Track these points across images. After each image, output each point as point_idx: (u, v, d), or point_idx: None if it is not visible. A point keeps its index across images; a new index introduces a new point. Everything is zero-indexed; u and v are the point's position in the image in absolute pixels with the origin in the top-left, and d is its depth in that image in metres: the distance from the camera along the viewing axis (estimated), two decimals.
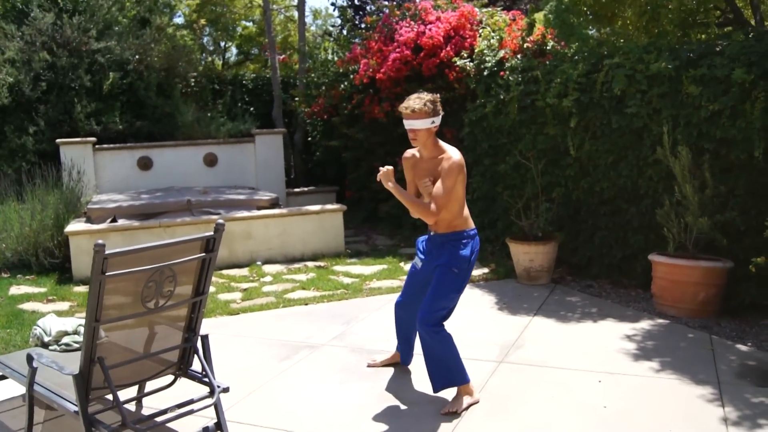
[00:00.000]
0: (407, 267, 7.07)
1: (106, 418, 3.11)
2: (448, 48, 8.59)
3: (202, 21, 17.75)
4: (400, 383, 4.21)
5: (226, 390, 3.28)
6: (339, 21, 15.95)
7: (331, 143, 10.71)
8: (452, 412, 3.71)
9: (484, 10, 9.41)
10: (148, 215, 8.10)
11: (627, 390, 3.99)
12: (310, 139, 12.22)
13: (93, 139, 10.08)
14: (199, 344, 3.33)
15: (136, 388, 3.52)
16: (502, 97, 7.30)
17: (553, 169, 6.93)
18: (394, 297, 4.77)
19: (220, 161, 10.77)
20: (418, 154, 3.95)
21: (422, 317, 3.77)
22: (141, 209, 8.19)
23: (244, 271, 7.50)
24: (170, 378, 3.47)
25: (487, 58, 7.70)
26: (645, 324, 5.24)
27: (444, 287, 3.78)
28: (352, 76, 9.84)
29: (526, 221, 6.68)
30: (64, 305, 6.23)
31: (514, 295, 6.18)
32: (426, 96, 3.75)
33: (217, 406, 3.24)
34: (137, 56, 11.26)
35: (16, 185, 8.47)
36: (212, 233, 3.15)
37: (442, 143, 3.87)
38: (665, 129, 5.68)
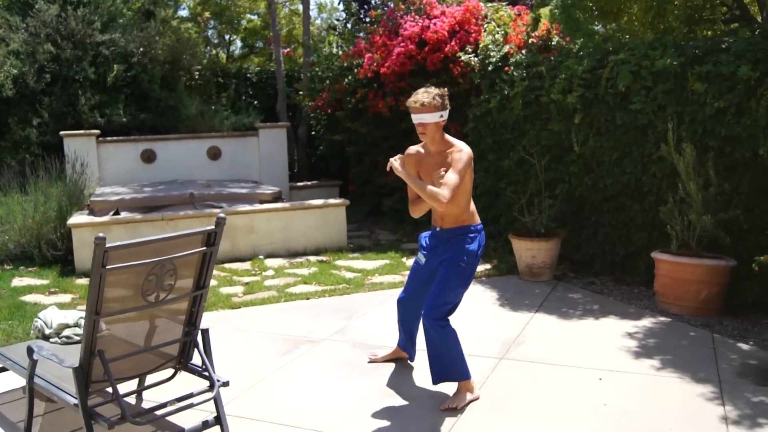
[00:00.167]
0: (410, 262, 7.08)
1: (106, 411, 3.11)
2: (453, 43, 8.57)
3: (207, 14, 17.71)
4: (400, 379, 4.21)
5: (226, 384, 3.28)
6: (344, 15, 15.89)
7: (334, 137, 10.70)
8: (452, 408, 3.71)
9: (489, 4, 9.38)
10: (150, 208, 8.11)
11: (628, 388, 3.98)
12: (313, 133, 12.22)
13: (97, 131, 10.09)
14: (199, 338, 3.32)
15: (136, 381, 3.52)
16: (506, 92, 7.27)
17: (557, 165, 6.91)
18: (396, 292, 4.77)
19: (223, 155, 10.77)
20: (422, 150, 3.92)
21: (428, 311, 3.76)
22: (144, 202, 8.20)
23: (246, 265, 7.50)
24: (170, 371, 3.47)
25: (491, 53, 7.68)
26: (647, 322, 5.23)
27: (450, 281, 3.77)
28: (356, 71, 9.83)
29: (529, 217, 6.66)
30: (66, 297, 6.24)
31: (516, 292, 6.17)
32: (434, 90, 3.74)
33: (217, 400, 3.24)
34: (141, 49, 11.25)
35: (19, 177, 8.48)
36: (213, 227, 3.15)
37: (449, 137, 3.86)
38: (670, 126, 5.65)
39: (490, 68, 7.62)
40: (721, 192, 5.44)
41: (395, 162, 3.70)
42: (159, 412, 3.10)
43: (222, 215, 3.19)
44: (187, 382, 3.45)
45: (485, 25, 8.47)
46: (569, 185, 6.83)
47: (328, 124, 11.18)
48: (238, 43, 20.07)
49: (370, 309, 5.70)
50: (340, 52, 10.84)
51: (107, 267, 2.75)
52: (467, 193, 3.83)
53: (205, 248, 3.15)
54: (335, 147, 11.15)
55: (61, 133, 9.84)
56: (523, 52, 7.40)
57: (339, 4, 16.54)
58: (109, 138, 10.23)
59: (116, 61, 10.85)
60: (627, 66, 6.02)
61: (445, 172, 3.71)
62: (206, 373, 3.27)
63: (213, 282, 6.39)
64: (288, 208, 8.17)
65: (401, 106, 8.97)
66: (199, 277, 3.23)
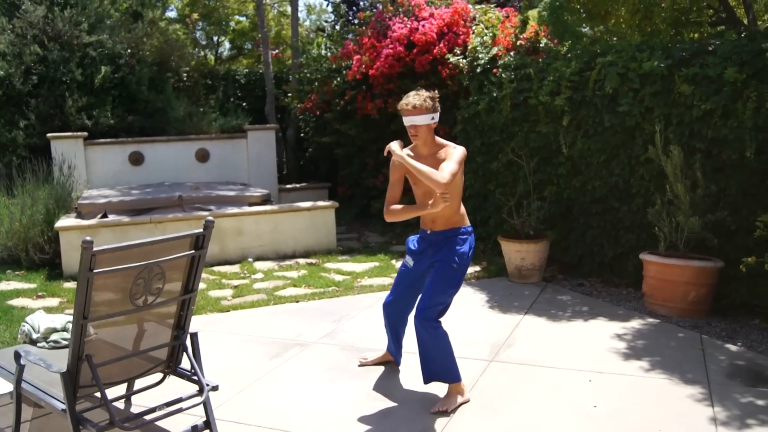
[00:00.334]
0: (399, 264, 7.06)
1: (94, 416, 3.09)
2: (441, 44, 8.58)
3: (195, 15, 17.66)
4: (390, 382, 4.21)
5: (215, 388, 3.26)
6: (332, 16, 15.91)
7: (323, 139, 10.69)
8: (443, 411, 3.71)
9: (478, 6, 9.41)
10: (138, 211, 8.06)
11: (617, 389, 3.99)
12: (302, 135, 12.20)
13: (84, 133, 10.04)
14: (188, 342, 3.31)
15: (124, 386, 3.50)
16: (494, 94, 7.29)
17: (546, 167, 6.93)
18: (386, 294, 4.76)
19: (212, 157, 10.74)
20: (412, 153, 3.89)
21: (420, 312, 3.76)
22: (132, 205, 8.16)
23: (235, 268, 7.48)
24: (159, 376, 3.44)
25: (480, 55, 7.69)
26: (636, 323, 5.25)
27: (443, 282, 3.78)
28: (344, 72, 9.83)
29: (517, 219, 6.68)
30: (54, 301, 6.19)
31: (505, 294, 6.18)
32: (425, 93, 3.75)
33: (206, 405, 3.22)
34: (129, 50, 11.20)
35: (6, 180, 8.43)
36: (202, 230, 3.13)
37: (440, 139, 3.88)
38: (657, 128, 5.68)
39: (478, 70, 7.63)
40: (709, 194, 5.48)
41: (394, 144, 3.71)
42: (148, 417, 3.08)
43: (210, 218, 3.17)
44: (176, 387, 3.43)
45: (474, 27, 8.49)
46: (558, 187, 6.86)
47: (316, 126, 11.17)
48: (227, 45, 20.03)
49: (359, 312, 5.69)
50: (329, 54, 10.85)
51: (95, 271, 2.73)
52: (459, 194, 3.85)
53: (193, 251, 3.13)
54: (324, 149, 11.14)
55: (48, 135, 9.78)
56: (512, 54, 7.42)
57: (327, 5, 16.54)
58: (96, 140, 10.18)
59: (104, 62, 10.80)
60: (614, 68, 6.05)
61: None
62: (195, 378, 3.25)
63: (202, 285, 6.36)
64: (277, 211, 8.15)
65: (390, 108, 8.99)
66: (188, 281, 3.21)
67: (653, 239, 5.75)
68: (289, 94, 11.85)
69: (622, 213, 6.24)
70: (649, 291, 5.57)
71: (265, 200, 8.71)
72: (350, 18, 14.50)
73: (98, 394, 2.93)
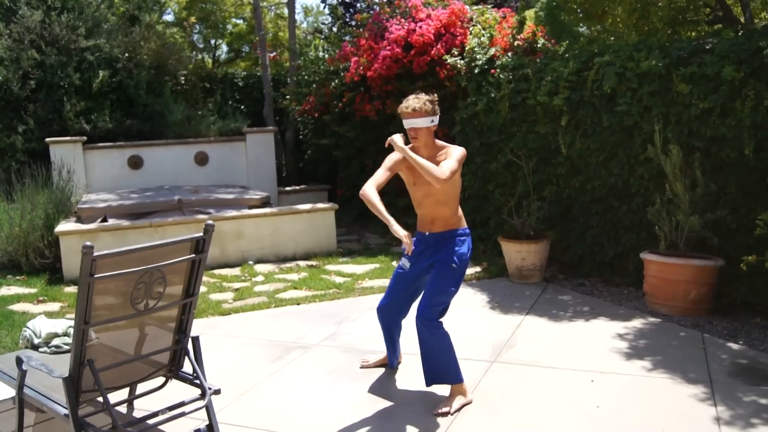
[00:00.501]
0: None
1: (97, 420, 3.09)
2: (439, 46, 8.58)
3: (192, 18, 17.66)
4: (392, 383, 4.20)
5: (217, 392, 3.26)
6: (330, 18, 15.90)
7: (322, 141, 10.69)
8: (445, 413, 3.71)
9: (475, 7, 9.40)
10: (138, 215, 8.06)
11: (619, 389, 3.99)
12: (301, 137, 12.20)
13: (83, 138, 10.04)
14: (189, 346, 3.31)
15: (126, 390, 3.49)
16: (493, 95, 7.29)
17: (545, 168, 6.94)
18: None
19: (210, 160, 10.74)
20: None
21: (422, 312, 3.77)
22: (131, 209, 8.15)
23: (236, 271, 7.47)
24: (161, 380, 3.44)
25: (477, 56, 7.69)
26: (637, 323, 5.25)
27: (443, 282, 3.80)
28: (342, 74, 9.83)
29: (517, 220, 6.68)
30: (54, 306, 6.19)
31: (506, 294, 6.18)
32: (424, 96, 3.80)
33: (209, 408, 3.22)
34: (127, 54, 11.20)
35: (5, 185, 8.42)
36: (202, 234, 3.13)
37: (439, 141, 3.91)
38: (656, 127, 5.69)
39: (476, 71, 7.64)
40: (708, 192, 5.48)
41: (397, 137, 3.73)
42: (150, 421, 3.08)
43: (210, 222, 3.17)
44: (178, 391, 3.42)
45: (471, 28, 8.49)
46: (557, 187, 6.86)
47: (315, 128, 11.17)
48: (224, 48, 20.04)
49: (360, 314, 5.69)
50: (327, 56, 10.84)
51: (95, 276, 2.73)
52: (457, 196, 3.89)
53: (194, 255, 3.13)
54: (323, 151, 11.14)
55: (47, 140, 9.78)
56: (509, 54, 7.42)
57: (324, 8, 16.51)
58: (95, 144, 10.18)
59: (101, 66, 10.80)
60: (612, 68, 6.06)
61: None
62: (197, 381, 3.25)
63: (202, 288, 6.36)
64: (276, 213, 8.15)
65: (388, 110, 8.99)
66: (189, 285, 3.21)
67: (653, 238, 5.75)
68: (288, 97, 11.85)
69: (621, 212, 6.24)
70: (650, 290, 5.58)
71: (265, 203, 8.70)
72: (347, 20, 14.50)
73: (100, 399, 2.93)
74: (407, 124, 3.80)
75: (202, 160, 10.68)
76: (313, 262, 7.71)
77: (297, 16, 15.47)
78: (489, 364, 4.45)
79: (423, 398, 3.93)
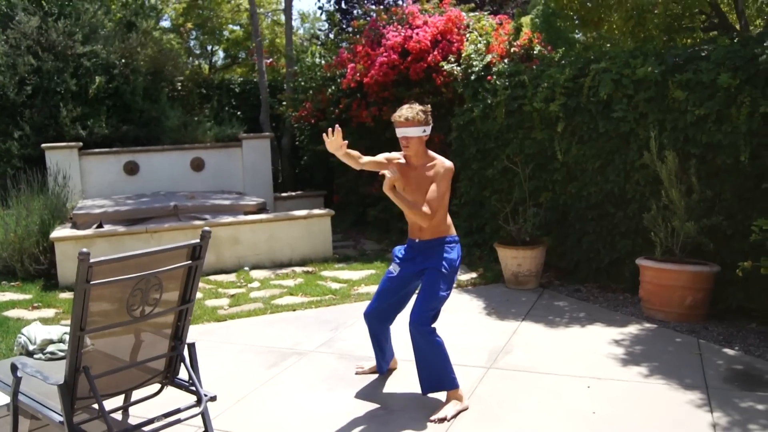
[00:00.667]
0: None
1: (92, 428, 3.08)
2: (436, 52, 8.61)
3: (189, 25, 17.68)
4: (388, 390, 4.20)
5: (213, 398, 3.25)
6: (326, 25, 15.93)
7: (318, 147, 10.67)
8: (442, 419, 3.70)
9: (471, 14, 9.44)
10: (134, 220, 8.05)
11: (616, 395, 3.99)
12: (297, 143, 12.20)
13: (79, 143, 10.04)
14: (185, 352, 3.30)
15: (122, 397, 3.48)
16: (489, 101, 7.30)
17: (541, 174, 6.95)
18: None
19: (207, 166, 10.74)
20: (405, 162, 3.98)
21: (414, 319, 3.78)
22: (127, 215, 8.14)
23: (232, 277, 7.46)
24: (157, 387, 3.43)
25: (474, 63, 7.71)
26: (633, 328, 5.25)
27: (434, 288, 3.82)
28: (339, 81, 9.84)
29: (513, 226, 6.68)
30: (49, 312, 6.17)
31: (502, 300, 6.18)
32: (418, 106, 3.88)
33: (205, 415, 3.21)
34: (123, 60, 11.21)
35: (1, 190, 8.40)
36: (198, 240, 3.13)
37: (431, 152, 3.97)
38: (652, 134, 5.70)
39: (472, 77, 7.65)
40: (704, 198, 5.49)
41: (390, 174, 3.74)
42: (146, 429, 3.06)
43: (207, 228, 3.17)
44: (174, 397, 3.41)
45: (467, 35, 8.51)
46: (553, 193, 6.87)
47: (311, 134, 11.17)
48: (221, 54, 20.05)
49: (356, 320, 5.68)
50: (323, 62, 10.86)
51: (92, 282, 2.72)
52: (445, 206, 3.93)
53: (190, 262, 3.13)
54: (319, 157, 11.14)
55: (43, 145, 9.78)
56: (506, 61, 7.44)
57: (321, 14, 16.53)
58: (91, 150, 10.18)
59: (98, 72, 10.80)
60: (608, 74, 6.07)
61: (419, 187, 3.86)
62: (193, 388, 3.24)
63: (198, 294, 6.34)
64: (273, 219, 8.15)
65: (385, 116, 8.99)
66: (185, 291, 3.20)
67: (649, 244, 5.76)
68: (284, 103, 11.85)
69: (617, 218, 6.25)
70: (645, 296, 5.58)
71: (261, 209, 8.70)
72: (344, 26, 14.53)
73: (95, 406, 2.92)
74: (399, 132, 3.87)
75: (198, 166, 10.68)
76: (309, 268, 7.71)
77: (294, 23, 15.48)
78: (485, 370, 4.45)
79: (419, 404, 3.93)
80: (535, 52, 7.51)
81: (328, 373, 4.49)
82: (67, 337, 3.79)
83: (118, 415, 3.66)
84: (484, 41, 7.96)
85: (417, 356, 3.86)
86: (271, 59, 16.77)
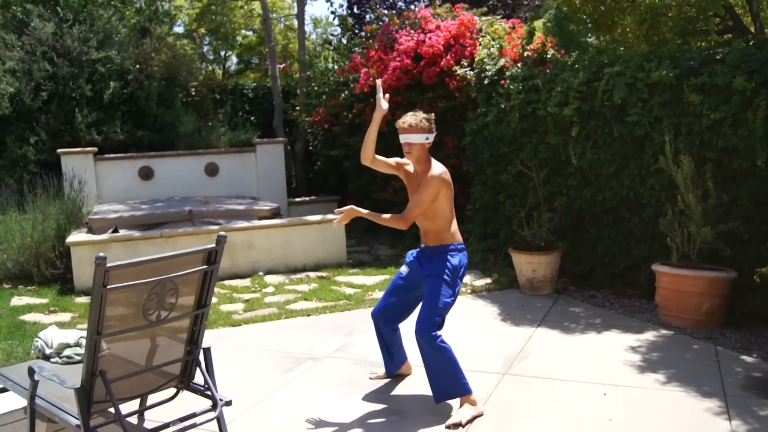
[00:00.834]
0: None
1: (108, 431, 3.09)
2: (449, 57, 8.60)
3: (202, 30, 17.78)
4: (404, 395, 4.19)
5: (228, 403, 3.26)
6: (339, 30, 15.96)
7: (332, 152, 10.70)
8: (457, 425, 3.68)
9: (484, 18, 9.42)
10: (149, 225, 8.08)
11: (633, 402, 3.96)
12: (310, 148, 12.22)
13: (94, 149, 10.09)
14: (201, 357, 3.30)
15: (138, 401, 3.49)
16: (503, 105, 7.29)
17: (555, 179, 6.92)
18: None
19: (221, 171, 10.77)
20: (411, 168, 4.12)
21: (419, 327, 3.79)
22: (142, 219, 8.17)
23: (246, 282, 7.48)
24: (172, 391, 3.44)
25: (487, 67, 7.70)
26: (649, 335, 5.22)
27: (436, 295, 3.84)
28: (352, 85, 9.85)
29: (528, 231, 6.66)
30: (65, 316, 6.20)
31: (517, 306, 6.16)
32: (421, 114, 4.00)
33: (220, 420, 3.21)
34: (138, 66, 11.27)
35: (17, 195, 8.46)
36: (214, 245, 3.14)
37: (433, 160, 4.05)
38: (667, 138, 5.67)
39: (486, 82, 7.64)
40: (720, 203, 5.45)
41: (346, 216, 3.98)
42: None
43: (223, 233, 3.18)
44: (189, 402, 3.42)
45: (480, 39, 8.50)
46: (568, 198, 6.84)
47: (325, 139, 11.19)
48: (234, 59, 20.15)
49: (370, 325, 5.63)
50: (336, 67, 10.87)
51: (108, 286, 2.73)
52: (445, 213, 3.98)
53: (206, 266, 3.14)
54: (333, 162, 11.16)
55: (59, 151, 9.84)
56: (519, 65, 7.43)
57: (334, 19, 16.57)
58: (106, 155, 10.23)
59: (112, 78, 10.87)
60: (623, 78, 6.05)
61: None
62: (209, 393, 3.25)
63: (213, 299, 6.35)
64: (287, 224, 8.16)
65: (396, 119, 9.00)
66: (201, 296, 3.21)
67: (665, 250, 5.72)
68: (297, 108, 11.87)
69: (633, 224, 6.21)
70: (662, 302, 5.54)
71: (275, 214, 8.71)
72: (357, 31, 14.56)
73: (112, 410, 2.93)
74: (403, 138, 3.98)
75: (212, 171, 10.71)
76: (324, 274, 7.71)
77: (306, 28, 15.54)
78: (501, 376, 4.43)
79: (434, 410, 3.91)
80: (548, 56, 7.49)
81: (343, 379, 4.48)
82: (83, 341, 3.81)
83: (133, 419, 3.68)
84: (497, 45, 7.95)
85: (426, 364, 3.86)
86: (284, 64, 16.82)
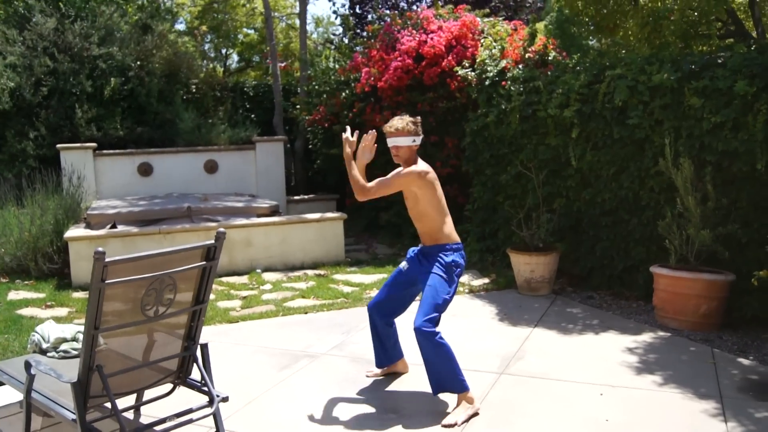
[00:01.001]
0: None
1: (104, 426, 3.09)
2: (450, 57, 8.60)
3: (204, 28, 17.75)
4: (400, 394, 4.19)
5: (225, 399, 3.26)
6: (341, 29, 15.98)
7: (331, 151, 10.69)
8: (452, 424, 3.68)
9: (486, 19, 9.43)
10: (147, 221, 8.08)
11: (629, 403, 3.96)
12: (310, 146, 12.22)
13: (93, 144, 10.10)
14: (198, 353, 3.30)
15: (134, 396, 3.49)
16: (503, 107, 7.29)
17: (555, 180, 6.92)
18: None
19: (220, 168, 10.77)
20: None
21: (418, 324, 3.79)
22: (140, 215, 8.17)
23: (244, 279, 7.47)
24: (169, 386, 3.44)
25: (488, 68, 7.70)
26: (646, 336, 5.22)
27: (433, 292, 3.88)
28: (353, 85, 9.85)
29: (527, 232, 6.66)
30: (62, 311, 6.20)
31: (514, 306, 6.16)
32: (408, 117, 4.10)
33: (216, 416, 3.21)
34: (138, 62, 11.28)
35: (16, 190, 8.46)
36: (213, 242, 3.14)
37: (420, 161, 4.13)
38: (667, 141, 5.67)
39: (487, 83, 7.64)
40: (720, 206, 5.45)
41: (348, 135, 4.09)
42: (158, 428, 3.08)
43: (222, 230, 3.18)
44: (186, 397, 3.42)
45: (482, 40, 8.50)
46: (567, 199, 6.84)
47: (325, 137, 11.18)
48: (235, 57, 20.13)
49: (368, 323, 5.66)
50: (337, 66, 10.87)
51: (107, 281, 2.73)
52: (428, 214, 4.05)
53: (204, 263, 3.14)
54: (332, 161, 11.14)
55: (58, 146, 9.84)
56: (520, 66, 7.42)
57: (336, 18, 16.59)
58: (105, 151, 10.23)
59: (113, 74, 10.88)
60: (624, 81, 6.05)
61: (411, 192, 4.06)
62: (205, 389, 3.25)
63: (211, 296, 6.35)
64: (285, 222, 8.16)
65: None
66: (199, 292, 3.21)
67: (664, 252, 5.72)
68: (298, 106, 11.87)
69: (632, 225, 6.22)
70: (659, 304, 5.54)
71: (274, 211, 8.71)
72: (359, 31, 14.56)
73: (108, 405, 2.92)
74: (390, 142, 4.05)
75: (211, 168, 10.71)
76: (321, 272, 7.71)
77: (308, 27, 15.54)
78: (497, 375, 4.43)
79: (431, 409, 3.91)
80: (549, 58, 7.49)
81: (340, 376, 4.48)
82: (80, 336, 3.81)
83: (130, 414, 3.68)
84: (499, 47, 7.95)
85: (424, 360, 3.88)
86: (285, 63, 16.81)
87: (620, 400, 4.00)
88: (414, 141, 4.02)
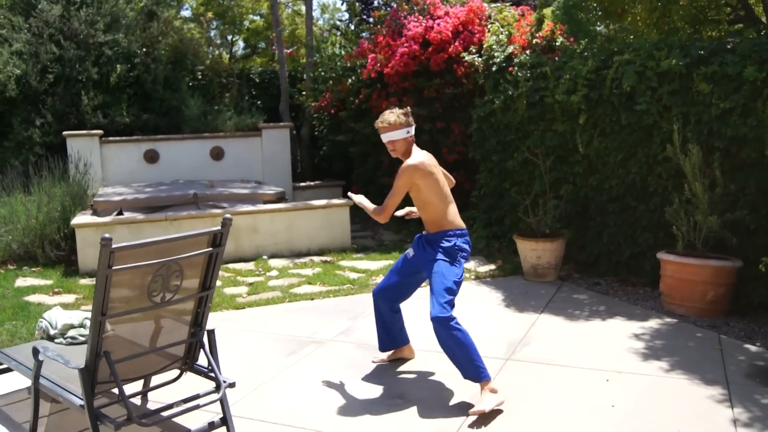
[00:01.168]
0: None
1: (112, 412, 3.10)
2: (457, 43, 8.56)
3: (210, 14, 17.71)
4: (406, 380, 4.20)
5: (232, 385, 3.26)
6: (347, 15, 15.91)
7: (338, 138, 10.69)
8: (479, 412, 3.62)
9: (493, 5, 9.37)
10: (154, 208, 8.10)
11: (635, 389, 3.95)
12: (316, 133, 12.21)
13: (100, 131, 10.10)
14: (205, 339, 3.31)
15: (141, 382, 3.51)
16: (510, 93, 7.25)
17: (562, 166, 6.89)
18: None
19: (226, 155, 10.77)
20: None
21: (434, 313, 3.77)
22: (147, 202, 8.19)
23: (250, 265, 7.49)
24: (176, 372, 3.45)
25: (495, 54, 7.66)
26: (653, 323, 5.21)
27: (441, 278, 3.87)
28: (359, 71, 9.83)
29: (533, 218, 6.64)
30: (69, 297, 6.22)
31: (521, 292, 6.15)
32: (398, 110, 4.09)
33: (223, 402, 3.23)
34: (144, 49, 11.27)
35: (23, 177, 8.48)
36: (219, 228, 3.13)
37: (414, 150, 4.12)
38: (675, 127, 5.64)
39: (494, 69, 7.60)
40: (728, 193, 5.43)
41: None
42: (165, 414, 3.09)
43: (228, 216, 3.18)
44: (193, 383, 3.44)
45: (489, 26, 8.46)
46: (574, 186, 6.82)
47: (331, 124, 11.17)
48: (241, 44, 20.06)
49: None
50: (344, 53, 10.84)
51: (113, 268, 2.74)
52: (430, 203, 4.05)
53: (211, 249, 3.14)
54: (338, 147, 11.15)
55: (65, 133, 9.85)
56: (527, 52, 7.38)
57: (342, 4, 16.53)
58: (112, 138, 10.24)
59: (119, 61, 10.87)
60: (632, 66, 6.01)
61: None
62: (212, 374, 3.26)
63: (217, 282, 6.37)
64: (291, 209, 8.16)
65: (405, 106, 8.98)
66: (205, 278, 3.21)
67: (671, 238, 5.70)
68: (304, 93, 11.86)
69: (639, 212, 6.19)
70: (666, 290, 5.53)
71: (280, 198, 8.72)
72: (365, 17, 14.50)
73: (116, 390, 2.94)
74: (385, 138, 4.07)
75: (217, 155, 10.71)
76: (328, 258, 7.72)
77: (314, 13, 15.47)
78: (504, 361, 4.43)
79: (436, 394, 3.92)
80: (557, 43, 7.44)
81: (346, 362, 4.49)
82: (87, 322, 3.82)
83: (137, 400, 3.70)
84: (506, 32, 7.90)
85: (445, 350, 3.84)
86: (291, 49, 16.78)
87: (626, 386, 3.99)
88: (408, 132, 4.03)
